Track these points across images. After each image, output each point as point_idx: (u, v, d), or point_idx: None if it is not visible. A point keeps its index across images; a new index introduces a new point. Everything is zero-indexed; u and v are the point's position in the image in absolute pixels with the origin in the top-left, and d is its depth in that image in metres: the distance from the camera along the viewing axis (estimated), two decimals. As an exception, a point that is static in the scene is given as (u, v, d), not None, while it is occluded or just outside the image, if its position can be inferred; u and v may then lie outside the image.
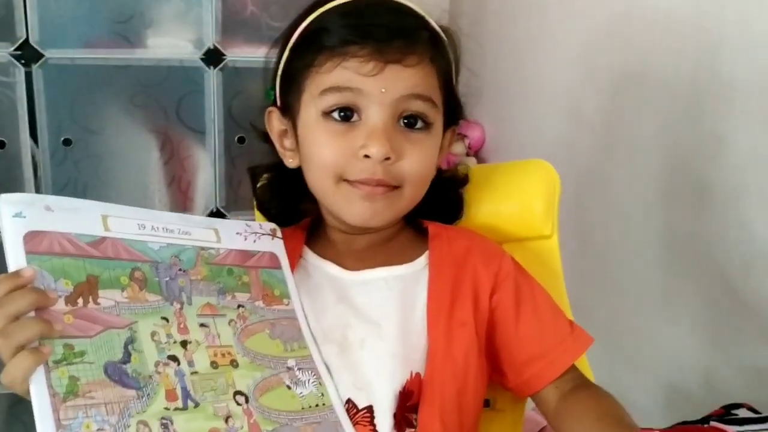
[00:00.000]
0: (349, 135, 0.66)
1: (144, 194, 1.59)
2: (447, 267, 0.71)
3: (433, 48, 0.68)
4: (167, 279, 0.59)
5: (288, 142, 0.73)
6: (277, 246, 0.70)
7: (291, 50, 0.70)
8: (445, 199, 0.79)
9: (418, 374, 0.65)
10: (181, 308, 0.59)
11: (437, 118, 0.70)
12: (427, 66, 0.67)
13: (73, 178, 1.52)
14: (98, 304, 0.54)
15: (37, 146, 1.47)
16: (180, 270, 0.61)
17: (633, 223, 1.27)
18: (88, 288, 0.54)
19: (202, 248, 0.64)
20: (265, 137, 0.76)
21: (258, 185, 0.79)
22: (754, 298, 1.07)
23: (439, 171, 0.77)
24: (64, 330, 0.52)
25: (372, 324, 0.67)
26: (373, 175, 0.66)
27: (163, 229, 0.62)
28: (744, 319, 1.08)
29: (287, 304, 0.67)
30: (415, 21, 0.69)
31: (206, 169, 1.61)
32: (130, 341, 0.54)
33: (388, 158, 0.65)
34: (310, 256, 0.73)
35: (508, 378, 0.70)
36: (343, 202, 0.69)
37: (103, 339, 0.53)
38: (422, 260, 0.73)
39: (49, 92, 1.46)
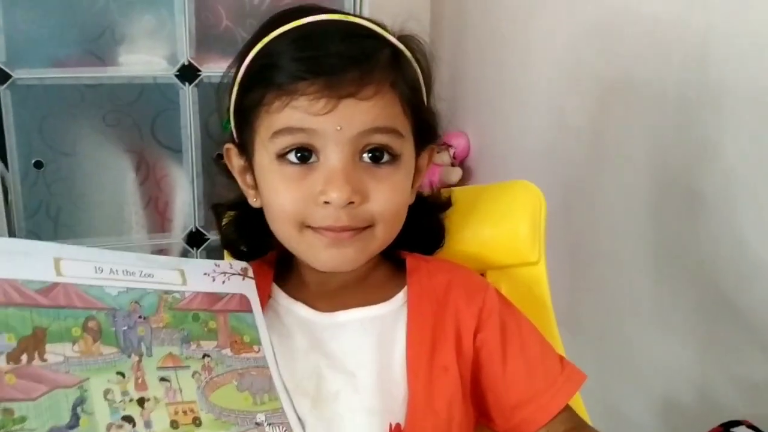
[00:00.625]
0: (308, 179, 0.61)
1: (120, 216, 1.55)
2: (427, 305, 0.66)
3: (394, 71, 0.62)
4: (125, 328, 0.55)
5: (250, 179, 0.68)
6: (247, 287, 0.65)
7: (239, 85, 0.64)
8: (425, 226, 0.74)
9: (398, 425, 0.60)
10: (140, 361, 0.54)
11: (405, 147, 0.64)
12: (388, 93, 0.61)
13: (46, 201, 1.48)
14: (45, 360, 0.49)
15: (7, 169, 1.43)
16: (140, 317, 0.56)
17: (622, 233, 1.25)
18: (33, 342, 0.49)
19: (166, 292, 0.59)
20: (228, 172, 0.71)
21: (223, 223, 0.74)
22: (749, 309, 1.05)
23: (419, 196, 0.72)
24: (4, 392, 0.47)
25: (347, 374, 0.62)
26: (336, 222, 0.61)
27: (123, 271, 0.57)
28: (739, 331, 1.06)
29: (257, 351, 0.62)
30: (373, 43, 0.62)
31: (184, 189, 1.57)
32: (80, 402, 0.49)
33: (351, 202, 0.60)
34: (280, 296, 0.68)
35: (496, 423, 0.66)
36: (309, 250, 0.64)
37: (49, 401, 0.48)
38: (400, 297, 0.68)
39: (18, 113, 1.42)
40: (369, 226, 0.63)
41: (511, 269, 0.78)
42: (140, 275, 0.58)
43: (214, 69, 1.50)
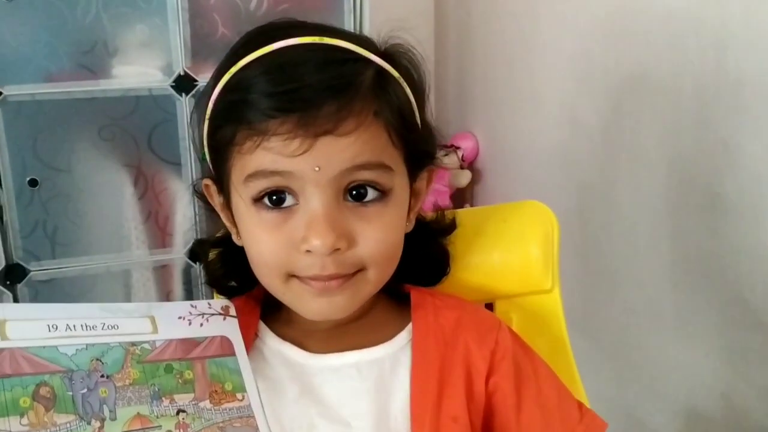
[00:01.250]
0: (287, 225, 0.56)
1: (119, 233, 1.50)
2: (433, 345, 0.61)
3: (377, 97, 0.56)
4: (84, 391, 0.49)
5: (231, 215, 0.63)
6: (229, 327, 0.60)
7: (209, 120, 0.59)
8: (427, 254, 0.68)
9: None
10: (102, 427, 0.49)
11: (396, 181, 0.58)
12: (371, 125, 0.55)
13: (42, 220, 1.43)
14: None
15: (1, 188, 1.39)
16: (102, 376, 0.51)
17: (639, 237, 1.21)
18: None
19: (133, 344, 0.54)
20: (209, 204, 0.66)
21: (209, 259, 0.69)
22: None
23: (420, 221, 0.67)
24: None
25: (341, 425, 0.57)
26: (322, 271, 0.56)
27: (81, 326, 0.52)
28: (765, 338, 1.01)
29: (242, 399, 0.57)
30: (352, 68, 0.56)
31: (184, 202, 1.52)
32: None
33: (337, 249, 0.55)
34: (267, 336, 0.63)
35: None
36: (296, 300, 0.59)
37: None
38: (403, 337, 0.63)
39: (10, 131, 1.37)
40: (359, 270, 0.57)
41: (523, 298, 0.73)
42: (103, 328, 0.53)
43: (210, 78, 1.45)
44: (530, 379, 0.62)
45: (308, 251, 0.55)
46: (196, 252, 1.52)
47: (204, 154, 0.62)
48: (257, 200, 0.57)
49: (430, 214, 0.71)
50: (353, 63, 0.56)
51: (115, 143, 1.45)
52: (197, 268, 1.54)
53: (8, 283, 1.42)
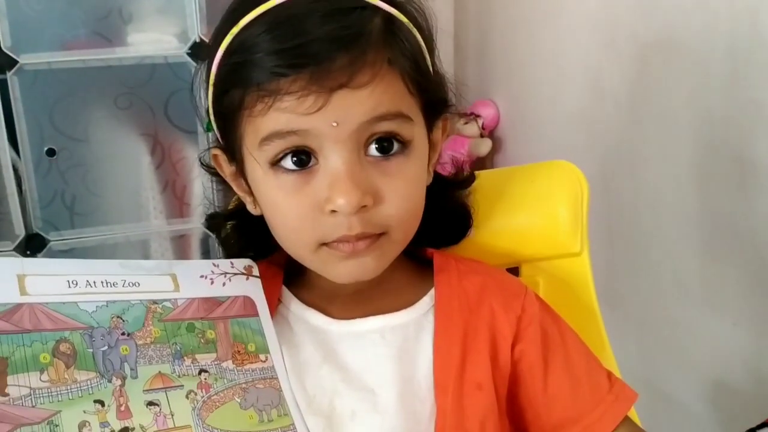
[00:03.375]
0: (309, 187, 0.54)
1: (137, 202, 1.50)
2: (457, 310, 0.59)
3: (389, 45, 0.53)
4: (104, 348, 0.48)
5: (245, 184, 0.61)
6: (252, 287, 0.58)
7: (213, 86, 0.56)
8: (446, 209, 0.66)
9: None
10: (123, 385, 0.48)
11: (415, 129, 0.55)
12: (387, 74, 0.52)
13: (60, 189, 1.44)
14: (6, 395, 0.43)
15: (19, 158, 1.39)
16: (123, 334, 0.50)
17: (666, 204, 1.19)
18: None
19: (154, 302, 0.52)
20: (218, 175, 0.63)
21: (223, 234, 0.68)
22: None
23: (436, 177, 0.64)
24: None
25: (365, 392, 0.56)
26: (350, 231, 0.53)
27: (102, 283, 0.51)
28: (797, 308, 1.00)
29: (265, 361, 0.55)
30: (360, 15, 0.53)
31: (202, 171, 1.50)
32: None
33: (364, 206, 0.53)
34: (291, 302, 0.62)
35: None
36: (324, 265, 0.57)
37: None
38: (426, 302, 0.61)
39: (27, 100, 1.37)
40: (384, 233, 0.55)
41: (550, 262, 0.70)
42: (123, 285, 0.51)
43: (227, 45, 1.44)
44: (558, 346, 0.60)
45: (333, 211, 0.53)
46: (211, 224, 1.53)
47: (209, 123, 0.60)
48: (275, 164, 0.54)
49: (451, 170, 0.69)
50: (360, 11, 0.53)
51: (131, 112, 1.44)
52: (215, 238, 1.54)
53: (28, 253, 1.42)
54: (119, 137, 1.46)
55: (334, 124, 0.51)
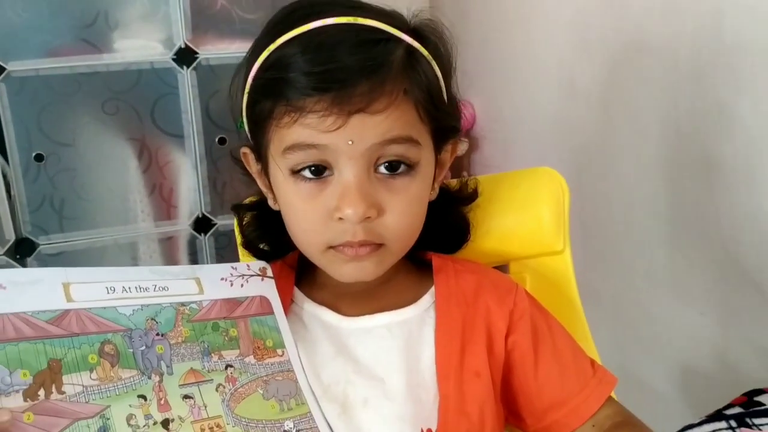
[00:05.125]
0: (323, 195, 0.59)
1: (125, 206, 1.52)
2: (455, 306, 0.65)
3: (408, 76, 0.59)
4: (143, 348, 0.53)
5: (268, 182, 0.66)
6: (267, 288, 0.63)
7: (248, 94, 0.62)
8: (448, 222, 0.72)
9: (429, 431, 0.59)
10: (161, 380, 0.52)
11: (423, 154, 0.61)
12: (402, 103, 0.58)
13: (49, 194, 1.45)
14: (63, 392, 0.48)
15: (8, 163, 1.40)
16: (158, 335, 0.54)
17: (637, 199, 1.22)
18: (50, 375, 0.48)
19: (182, 304, 0.57)
20: (244, 169, 0.69)
21: (244, 222, 0.72)
22: (769, 275, 1.03)
23: (443, 189, 0.70)
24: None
25: (375, 381, 0.61)
26: (354, 237, 0.59)
27: (135, 288, 0.55)
28: (760, 297, 1.04)
29: (282, 355, 0.60)
30: (385, 48, 0.58)
31: (188, 174, 1.54)
32: (103, 431, 0.48)
33: (368, 217, 0.58)
34: (303, 301, 0.67)
35: (527, 423, 0.65)
36: (330, 265, 0.63)
37: None
38: (427, 299, 0.66)
39: (15, 106, 1.38)
40: (382, 245, 0.61)
41: (535, 260, 0.76)
42: (154, 290, 0.56)
43: (211, 51, 1.46)
44: (546, 337, 0.65)
45: (341, 219, 0.58)
46: (200, 223, 1.56)
47: (241, 123, 0.65)
48: (295, 172, 0.60)
49: (453, 183, 0.74)
50: (385, 43, 0.58)
51: (118, 117, 1.46)
52: (202, 240, 1.57)
53: (18, 257, 1.44)
54: (107, 142, 1.48)
55: (350, 143, 0.57)
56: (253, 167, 0.68)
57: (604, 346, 0.77)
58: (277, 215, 0.66)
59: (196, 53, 1.46)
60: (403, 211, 0.60)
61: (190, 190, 1.55)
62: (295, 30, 0.58)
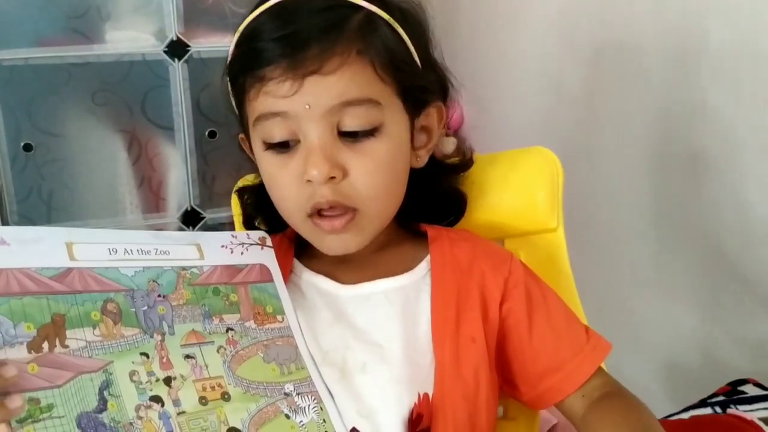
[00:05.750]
0: (292, 163, 0.61)
1: (114, 197, 1.51)
2: (450, 273, 0.65)
3: (363, 38, 0.60)
4: (145, 308, 0.53)
5: None
6: (267, 256, 0.64)
7: (228, 75, 0.64)
8: (442, 192, 0.72)
9: (426, 395, 0.59)
10: (163, 340, 0.53)
11: (387, 115, 0.61)
12: (354, 62, 0.59)
13: (37, 185, 1.44)
14: (66, 346, 0.48)
15: (-4, 153, 1.40)
16: (159, 296, 0.55)
17: (622, 196, 1.24)
18: (53, 329, 0.48)
19: (183, 268, 0.58)
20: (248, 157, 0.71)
21: (248, 201, 0.74)
22: (752, 269, 1.05)
23: (433, 161, 0.71)
24: (28, 383, 0.45)
25: (374, 346, 0.62)
26: (322, 198, 0.60)
27: (137, 251, 0.56)
28: (743, 291, 1.07)
29: (281, 321, 0.61)
30: (342, 12, 0.60)
31: (177, 167, 1.54)
32: (106, 385, 0.48)
33: (333, 177, 0.59)
34: (302, 271, 0.68)
35: (521, 391, 0.66)
36: (313, 237, 0.65)
37: (74, 387, 0.47)
38: (423, 267, 0.67)
39: (4, 95, 1.37)
40: (356, 210, 0.62)
41: (530, 237, 0.77)
42: (156, 253, 0.56)
43: (203, 44, 1.46)
44: (540, 304, 0.66)
45: (309, 181, 0.60)
46: (188, 216, 1.55)
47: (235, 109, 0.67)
48: (267, 144, 0.62)
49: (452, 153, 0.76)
50: (344, 8, 0.60)
51: (108, 108, 1.46)
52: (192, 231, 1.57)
53: (5, 246, 1.42)
54: (96, 133, 1.47)
55: (307, 107, 0.58)
56: (248, 150, 0.69)
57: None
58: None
59: (188, 46, 1.46)
60: (370, 171, 0.61)
61: (179, 182, 1.55)
62: (267, 3, 0.60)
